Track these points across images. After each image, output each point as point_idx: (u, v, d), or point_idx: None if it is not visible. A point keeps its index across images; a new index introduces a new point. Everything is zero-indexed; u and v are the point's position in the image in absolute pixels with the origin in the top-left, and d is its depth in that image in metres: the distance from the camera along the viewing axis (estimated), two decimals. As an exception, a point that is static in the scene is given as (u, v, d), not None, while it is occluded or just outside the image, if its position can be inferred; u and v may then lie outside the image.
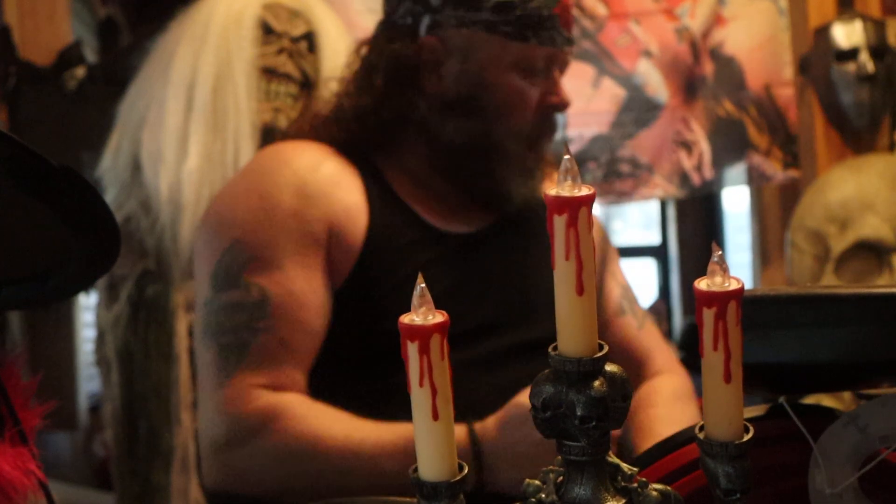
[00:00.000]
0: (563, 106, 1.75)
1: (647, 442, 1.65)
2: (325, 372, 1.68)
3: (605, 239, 1.97)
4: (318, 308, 1.66)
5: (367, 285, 1.68)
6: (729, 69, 3.38)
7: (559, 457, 0.94)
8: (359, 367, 1.68)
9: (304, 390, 1.65)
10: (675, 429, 1.26)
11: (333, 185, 1.70)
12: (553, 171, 1.91)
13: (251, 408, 1.59)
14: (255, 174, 1.76)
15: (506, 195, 1.74)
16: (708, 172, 3.38)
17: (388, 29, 1.77)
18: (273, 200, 1.67)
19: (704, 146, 3.37)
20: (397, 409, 1.54)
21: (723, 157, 3.39)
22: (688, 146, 3.37)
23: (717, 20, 3.36)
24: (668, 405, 1.78)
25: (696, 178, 3.38)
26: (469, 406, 1.56)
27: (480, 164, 1.73)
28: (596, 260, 1.81)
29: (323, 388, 1.67)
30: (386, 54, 1.75)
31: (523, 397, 1.55)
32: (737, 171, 3.42)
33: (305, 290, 1.65)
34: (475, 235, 1.77)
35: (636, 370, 1.85)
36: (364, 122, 1.75)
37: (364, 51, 1.80)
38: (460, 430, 1.55)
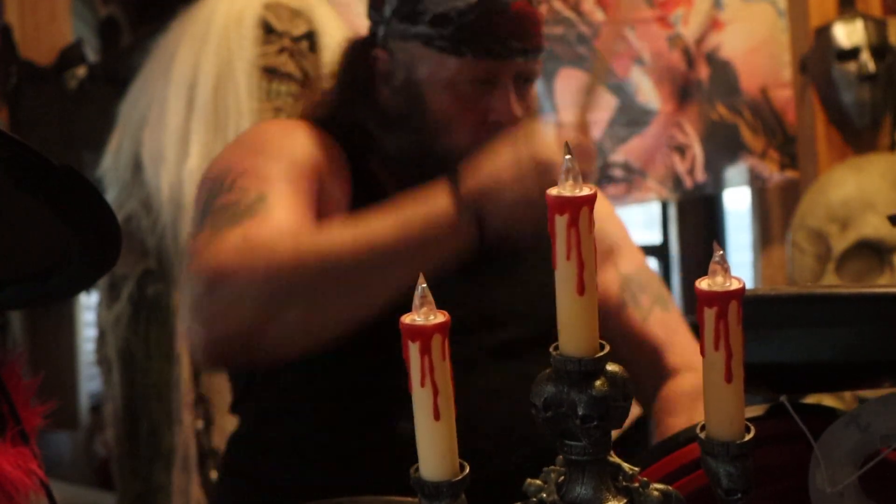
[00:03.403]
0: (505, 123, 1.65)
1: None
2: (301, 364, 1.67)
3: (614, 230, 1.91)
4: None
5: None
6: (724, 73, 3.38)
7: (561, 456, 0.94)
8: (337, 354, 1.66)
9: None
10: None
11: (320, 148, 1.69)
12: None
13: (225, 245, 1.51)
14: (243, 134, 1.83)
15: None
16: (700, 175, 3.39)
17: (365, 36, 1.77)
18: (264, 139, 1.70)
19: (697, 149, 3.37)
20: (384, 403, 1.54)
21: (716, 160, 3.39)
22: (681, 150, 3.37)
23: (713, 24, 3.36)
24: (689, 410, 1.73)
25: (688, 182, 3.39)
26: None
27: (423, 178, 1.65)
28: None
29: (300, 378, 1.65)
30: (346, 61, 1.75)
31: (508, 150, 1.53)
32: (737, 173, 3.42)
33: (303, 206, 1.60)
34: None
35: (649, 363, 1.76)
36: (335, 123, 1.74)
37: (341, 54, 1.80)
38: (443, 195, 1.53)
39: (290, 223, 1.56)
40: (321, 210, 1.65)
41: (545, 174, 1.49)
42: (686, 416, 1.70)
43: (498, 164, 1.54)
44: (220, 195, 1.60)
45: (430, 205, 1.53)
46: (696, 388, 1.76)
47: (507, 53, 1.64)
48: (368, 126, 1.72)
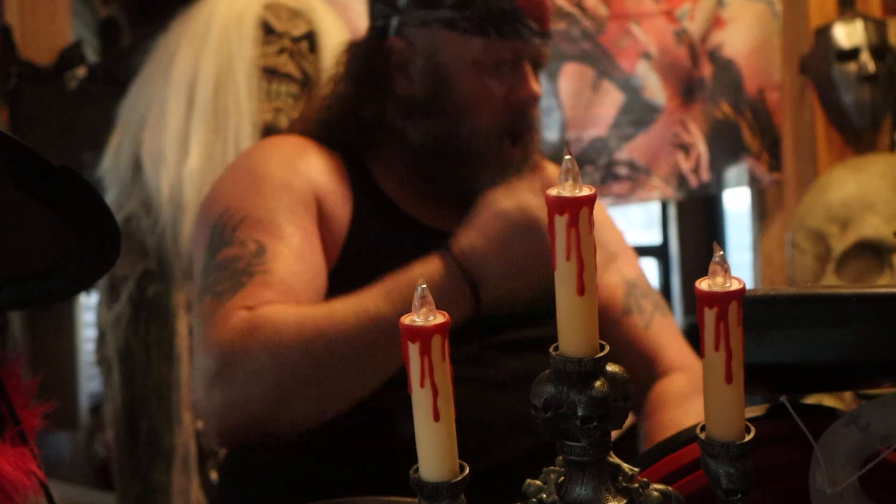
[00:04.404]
0: (531, 100, 1.72)
1: None
2: None
3: (615, 237, 1.93)
4: (317, 267, 1.63)
5: (351, 276, 1.68)
6: (727, 72, 3.37)
7: (560, 457, 0.94)
8: None
9: None
10: None
11: (319, 169, 1.72)
12: (547, 166, 1.91)
13: (231, 324, 1.53)
14: (242, 159, 1.82)
15: (479, 194, 1.70)
16: (705, 174, 3.38)
17: (368, 32, 1.80)
18: (261, 173, 1.69)
19: (702, 148, 3.37)
20: (386, 403, 1.54)
21: (719, 160, 3.39)
22: (685, 148, 3.36)
23: (716, 22, 3.36)
24: (676, 407, 1.75)
25: (693, 181, 3.38)
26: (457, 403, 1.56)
27: (447, 164, 1.72)
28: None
29: None
30: (357, 57, 1.78)
31: (500, 201, 1.55)
32: (737, 173, 3.42)
33: (304, 247, 1.63)
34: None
35: (646, 368, 1.80)
36: (344, 124, 1.77)
37: (345, 54, 1.82)
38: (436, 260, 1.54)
39: (291, 282, 1.58)
40: (323, 229, 1.67)
41: (533, 233, 1.52)
42: (677, 411, 1.72)
43: (487, 223, 1.55)
44: (221, 248, 1.63)
45: (423, 271, 1.54)
46: (686, 387, 1.79)
47: (528, 33, 1.69)
48: (386, 120, 1.74)
